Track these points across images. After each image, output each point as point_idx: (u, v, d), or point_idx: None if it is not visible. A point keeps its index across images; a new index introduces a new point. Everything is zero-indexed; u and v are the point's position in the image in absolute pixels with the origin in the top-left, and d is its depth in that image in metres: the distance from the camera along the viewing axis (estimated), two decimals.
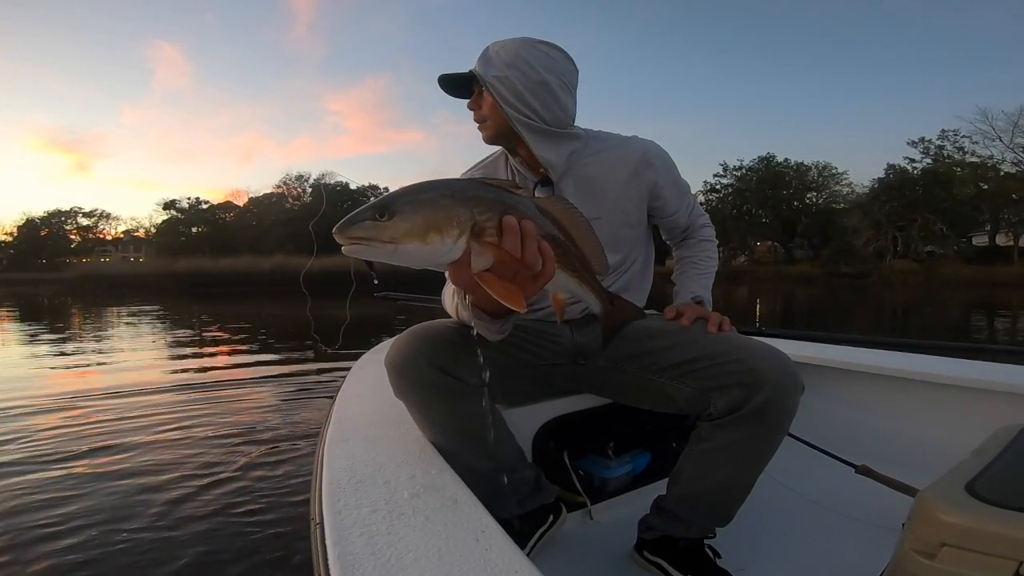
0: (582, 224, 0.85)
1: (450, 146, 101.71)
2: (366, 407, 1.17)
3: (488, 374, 1.00)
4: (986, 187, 33.31)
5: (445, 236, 0.69)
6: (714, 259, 1.32)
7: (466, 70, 1.11)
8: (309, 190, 47.61)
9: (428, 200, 0.69)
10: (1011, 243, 32.79)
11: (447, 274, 0.84)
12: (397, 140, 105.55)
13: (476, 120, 1.15)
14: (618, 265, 1.20)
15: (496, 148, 1.23)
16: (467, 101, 1.16)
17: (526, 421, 1.21)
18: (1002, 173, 33.23)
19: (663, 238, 1.39)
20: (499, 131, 1.13)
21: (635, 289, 1.23)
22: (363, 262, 0.74)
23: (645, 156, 1.19)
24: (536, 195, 1.14)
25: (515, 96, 1.07)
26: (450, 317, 1.04)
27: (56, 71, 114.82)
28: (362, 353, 1.83)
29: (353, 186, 44.87)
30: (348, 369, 1.61)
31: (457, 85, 1.14)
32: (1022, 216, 31.58)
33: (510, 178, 1.18)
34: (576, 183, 1.14)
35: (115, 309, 14.33)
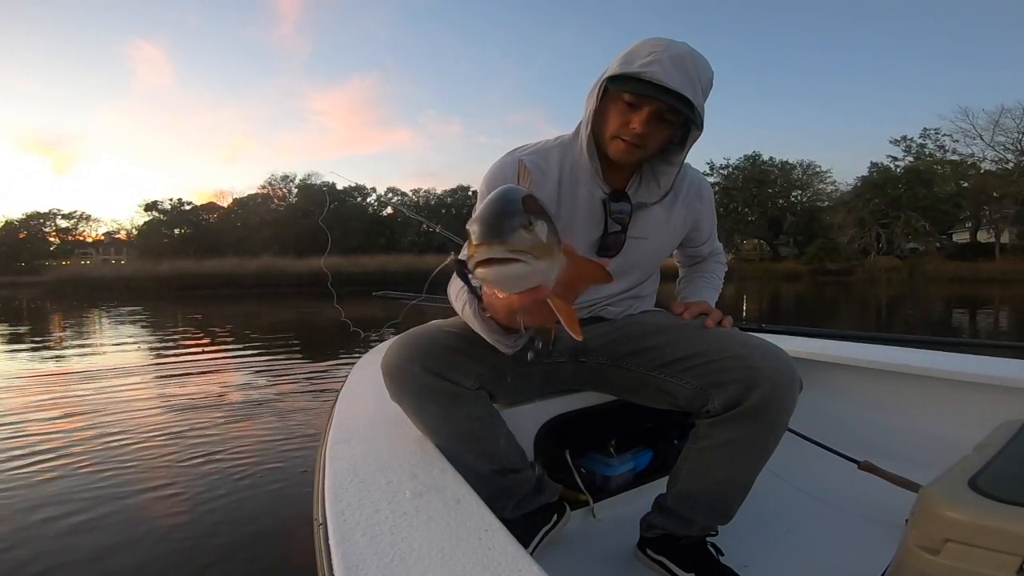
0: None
1: (436, 146, 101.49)
2: (367, 407, 1.17)
3: (484, 378, 1.00)
4: (967, 185, 34.00)
5: (560, 250, 0.59)
6: (721, 279, 1.34)
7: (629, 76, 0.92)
8: (295, 191, 47.20)
9: (545, 206, 0.59)
10: (992, 239, 33.45)
11: (500, 297, 0.66)
12: (383, 140, 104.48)
13: (625, 135, 0.98)
14: (642, 279, 1.21)
15: (551, 138, 1.13)
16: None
17: (528, 420, 1.21)
18: (982, 171, 33.98)
19: (677, 261, 1.40)
20: (647, 156, 1.04)
21: (646, 295, 1.26)
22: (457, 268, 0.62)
23: (698, 189, 1.19)
24: (612, 208, 1.08)
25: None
26: (448, 316, 1.03)
27: (33, 71, 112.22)
28: (364, 352, 1.83)
29: (340, 186, 44.64)
30: (347, 369, 1.61)
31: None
32: (1003, 213, 32.21)
33: (564, 175, 1.08)
34: (636, 205, 1.11)
35: (97, 312, 14.10)
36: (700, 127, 0.98)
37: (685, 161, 1.13)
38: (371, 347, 1.92)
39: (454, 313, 0.98)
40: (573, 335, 0.62)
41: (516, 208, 0.55)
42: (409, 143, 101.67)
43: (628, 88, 0.93)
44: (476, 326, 0.83)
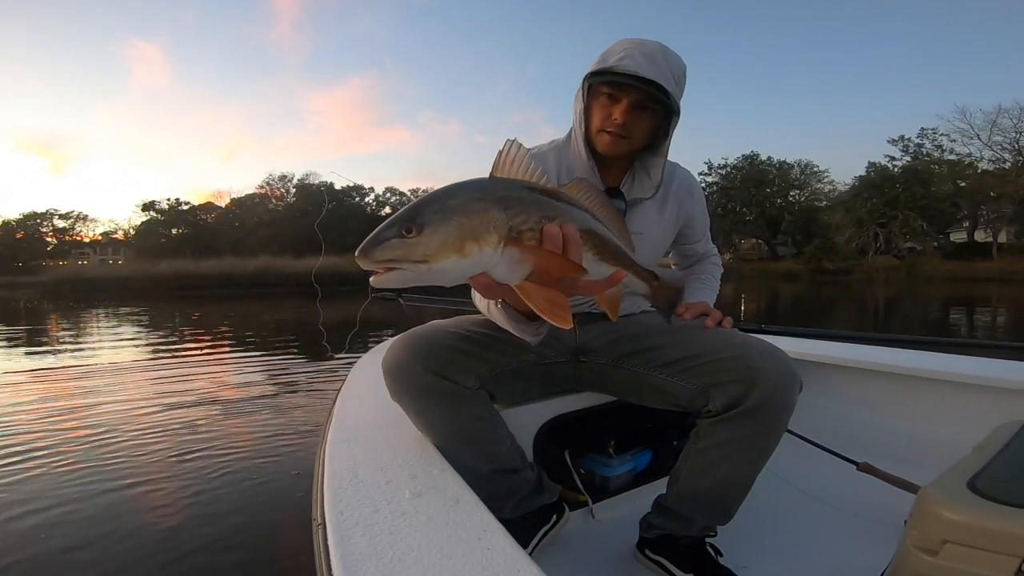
0: (609, 205, 0.84)
1: (435, 145, 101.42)
2: (367, 407, 1.16)
3: (485, 378, 1.00)
4: (964, 184, 34.05)
5: (484, 245, 0.60)
6: (718, 280, 1.36)
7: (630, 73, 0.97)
8: (293, 190, 47.10)
9: (459, 206, 0.60)
10: (990, 239, 33.54)
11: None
12: (382, 139, 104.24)
13: (609, 127, 1.04)
14: None
15: (545, 141, 1.18)
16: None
17: (527, 420, 1.21)
18: (979, 170, 34.05)
19: (673, 263, 1.43)
20: (634, 148, 1.08)
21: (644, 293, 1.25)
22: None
23: (689, 186, 1.23)
24: None
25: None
26: (448, 316, 1.03)
27: (30, 70, 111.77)
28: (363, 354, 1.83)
29: (338, 186, 44.58)
30: (347, 369, 1.60)
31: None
32: (1000, 212, 32.29)
33: (561, 176, 1.12)
34: (631, 201, 1.15)
35: (94, 312, 14.07)
36: (678, 112, 1.04)
37: (677, 161, 1.18)
38: (370, 347, 1.92)
39: (454, 313, 0.99)
40: (554, 323, 0.65)
41: (399, 218, 0.59)
42: (408, 142, 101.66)
43: (605, 80, 1.01)
44: (499, 319, 0.87)
